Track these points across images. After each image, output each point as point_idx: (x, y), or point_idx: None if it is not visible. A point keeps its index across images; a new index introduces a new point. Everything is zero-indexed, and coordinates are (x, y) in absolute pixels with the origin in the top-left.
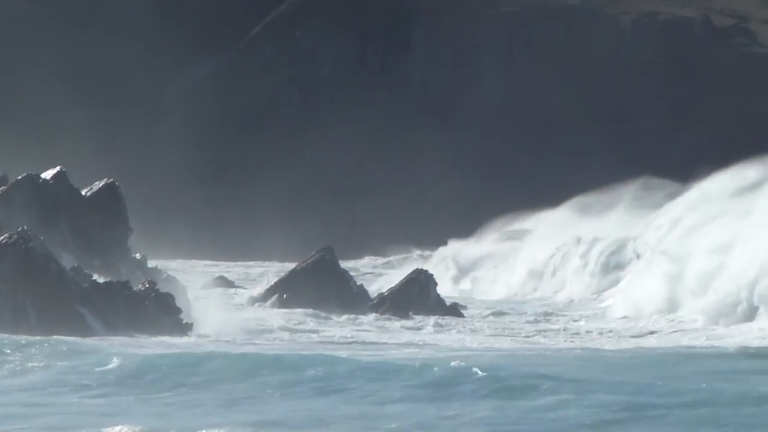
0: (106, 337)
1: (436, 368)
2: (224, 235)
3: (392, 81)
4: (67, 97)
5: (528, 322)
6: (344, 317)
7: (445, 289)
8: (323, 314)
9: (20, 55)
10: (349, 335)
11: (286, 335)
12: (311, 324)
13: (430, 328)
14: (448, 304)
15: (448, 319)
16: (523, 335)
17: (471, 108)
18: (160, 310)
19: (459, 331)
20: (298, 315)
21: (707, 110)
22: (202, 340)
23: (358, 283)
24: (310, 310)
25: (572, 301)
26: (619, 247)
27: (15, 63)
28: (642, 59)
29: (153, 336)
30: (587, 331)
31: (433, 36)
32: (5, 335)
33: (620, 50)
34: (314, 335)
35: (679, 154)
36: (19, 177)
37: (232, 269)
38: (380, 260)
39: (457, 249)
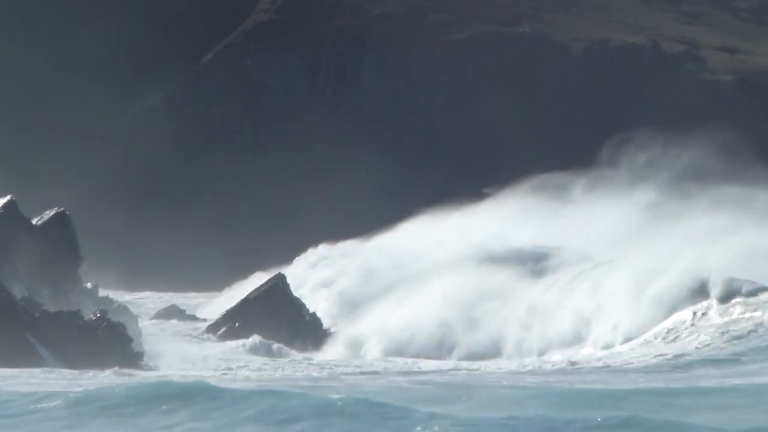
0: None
1: None
2: (173, 264)
3: (344, 108)
4: (17, 125)
5: None
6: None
7: None
8: (275, 345)
9: None
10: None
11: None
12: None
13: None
14: None
15: None
16: None
17: (422, 135)
18: (112, 340)
19: None
20: (248, 344)
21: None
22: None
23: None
24: (260, 339)
25: None
26: None
27: None
28: (592, 86)
29: (103, 367)
30: None
31: (384, 63)
32: None
33: (571, 77)
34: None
35: None
36: None
37: (181, 298)
38: None
39: None
